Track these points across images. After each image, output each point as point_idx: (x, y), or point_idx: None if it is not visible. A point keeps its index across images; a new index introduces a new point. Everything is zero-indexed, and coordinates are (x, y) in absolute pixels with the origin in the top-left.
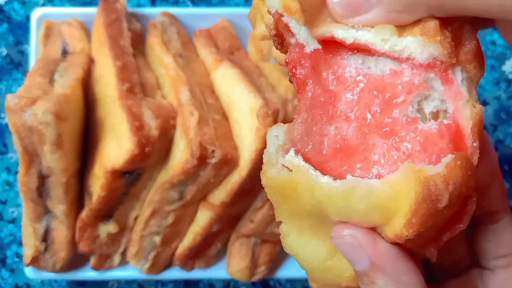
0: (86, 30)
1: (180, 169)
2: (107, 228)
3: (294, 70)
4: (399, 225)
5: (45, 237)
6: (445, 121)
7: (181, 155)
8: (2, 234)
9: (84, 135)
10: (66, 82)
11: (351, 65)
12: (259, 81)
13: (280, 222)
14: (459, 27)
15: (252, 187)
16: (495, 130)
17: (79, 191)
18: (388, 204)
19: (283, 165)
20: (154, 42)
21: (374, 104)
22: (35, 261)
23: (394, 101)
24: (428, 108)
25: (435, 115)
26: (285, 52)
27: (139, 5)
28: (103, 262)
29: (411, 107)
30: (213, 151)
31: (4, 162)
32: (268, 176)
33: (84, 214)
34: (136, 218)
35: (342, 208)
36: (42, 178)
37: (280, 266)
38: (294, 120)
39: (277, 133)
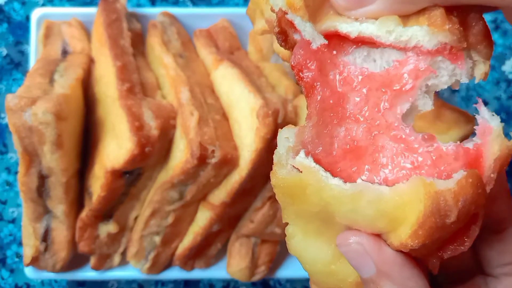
0: (86, 30)
1: (180, 169)
2: (107, 228)
3: (301, 74)
4: (405, 234)
5: (45, 237)
6: (466, 145)
7: (181, 155)
8: (2, 234)
9: (84, 135)
10: (66, 82)
11: (356, 62)
12: (259, 81)
13: (286, 224)
14: (464, 9)
15: (252, 187)
16: None
17: (79, 191)
18: (396, 212)
19: (293, 166)
20: (154, 42)
21: (383, 100)
22: (35, 261)
23: (403, 89)
24: (438, 87)
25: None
26: (289, 49)
27: (139, 5)
28: (103, 262)
29: (419, 91)
30: (213, 151)
31: (4, 162)
32: (278, 177)
33: (84, 214)
34: (136, 218)
35: (350, 211)
36: (42, 178)
37: (280, 266)
38: (305, 123)
39: (288, 135)
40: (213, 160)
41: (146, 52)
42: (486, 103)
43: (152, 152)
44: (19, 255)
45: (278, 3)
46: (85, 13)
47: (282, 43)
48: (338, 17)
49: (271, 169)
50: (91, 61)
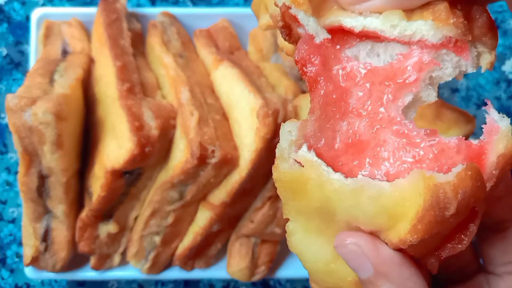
0: (86, 30)
1: (180, 169)
2: (107, 228)
3: (304, 68)
4: (404, 230)
5: (45, 237)
6: (470, 141)
7: (181, 155)
8: (2, 234)
9: (84, 135)
10: (66, 82)
11: (360, 57)
12: (259, 81)
13: (286, 224)
14: (468, 2)
15: (252, 187)
16: None
17: (79, 191)
18: (396, 208)
19: (296, 160)
20: (154, 42)
21: (387, 93)
22: (35, 261)
23: (407, 81)
24: (442, 79)
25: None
26: (293, 43)
27: (139, 5)
28: (103, 262)
29: (423, 83)
30: (213, 151)
31: (4, 162)
32: (280, 171)
33: (84, 214)
34: (136, 218)
35: (351, 206)
36: (42, 178)
37: (280, 266)
38: (308, 117)
39: (290, 129)
40: (213, 160)
41: (146, 52)
42: (486, 103)
43: (152, 152)
44: (19, 255)
45: None
46: (85, 13)
47: (286, 38)
48: (342, 12)
49: (271, 169)
50: (91, 61)
